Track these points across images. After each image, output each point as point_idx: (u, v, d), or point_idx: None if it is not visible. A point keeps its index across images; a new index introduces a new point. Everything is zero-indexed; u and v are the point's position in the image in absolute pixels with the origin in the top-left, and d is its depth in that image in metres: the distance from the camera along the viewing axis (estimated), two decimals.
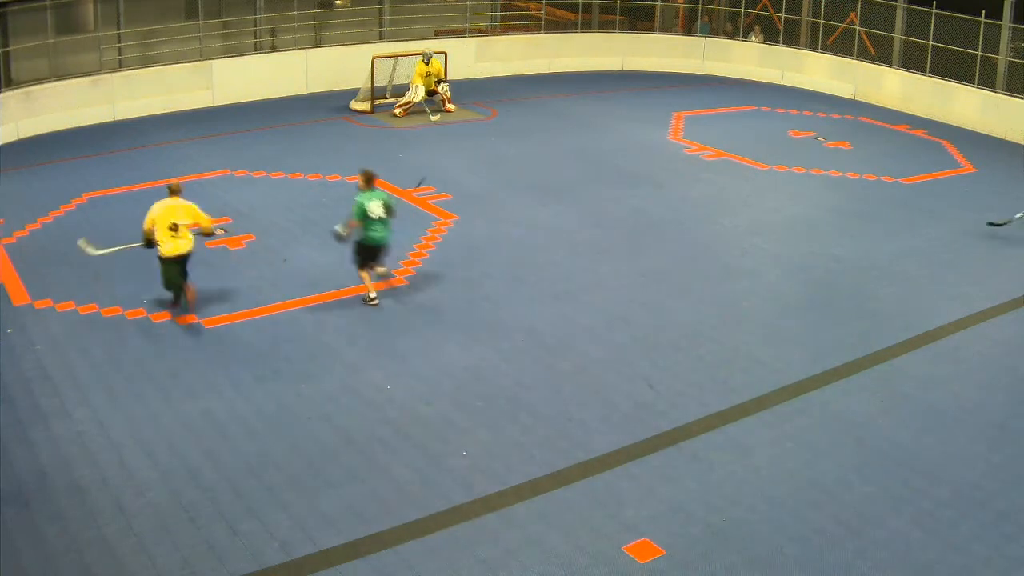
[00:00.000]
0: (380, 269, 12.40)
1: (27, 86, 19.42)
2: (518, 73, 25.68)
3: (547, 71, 26.07)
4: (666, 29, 27.93)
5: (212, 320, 11.74)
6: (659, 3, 27.60)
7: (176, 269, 11.54)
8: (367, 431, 9.56)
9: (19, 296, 12.28)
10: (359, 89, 22.04)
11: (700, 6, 27.58)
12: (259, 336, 11.43)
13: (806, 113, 22.59)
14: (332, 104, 22.11)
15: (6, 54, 19.55)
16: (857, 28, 24.10)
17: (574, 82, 25.28)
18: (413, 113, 21.43)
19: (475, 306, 12.40)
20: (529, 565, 7.78)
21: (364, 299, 12.19)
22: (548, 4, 26.91)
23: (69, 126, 19.74)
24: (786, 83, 25.50)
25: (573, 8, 26.96)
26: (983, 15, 21.13)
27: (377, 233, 11.92)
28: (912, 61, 23.06)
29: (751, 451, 9.40)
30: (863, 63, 24.07)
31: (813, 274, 13.70)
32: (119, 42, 21.01)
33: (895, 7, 23.38)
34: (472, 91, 23.43)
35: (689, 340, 11.59)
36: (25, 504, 8.36)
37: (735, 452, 9.38)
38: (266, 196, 16.07)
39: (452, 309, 12.27)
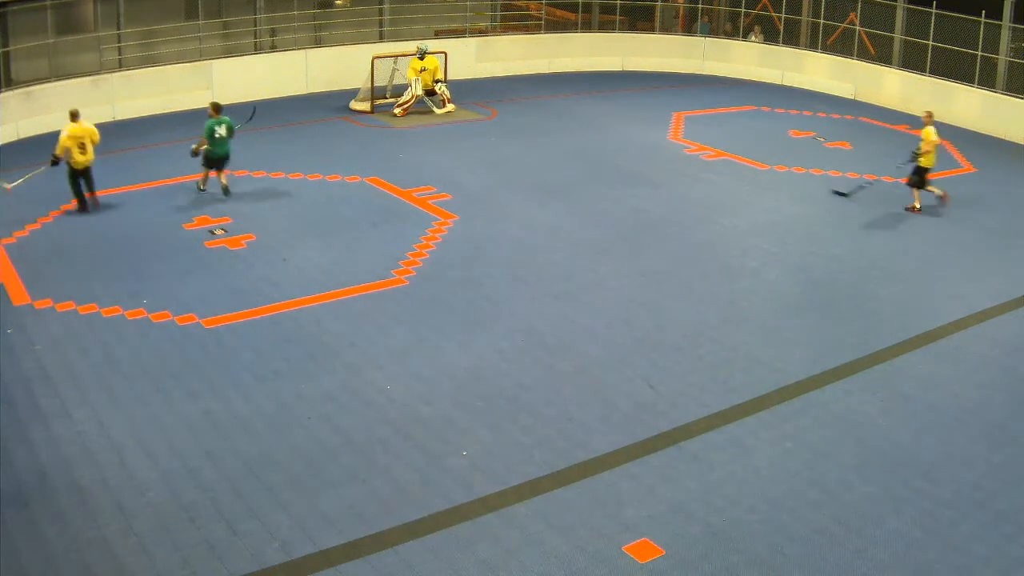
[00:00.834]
0: (223, 178, 15.85)
1: (27, 86, 19.43)
2: (518, 73, 25.67)
3: (547, 71, 26.07)
4: (666, 29, 27.92)
5: (212, 320, 11.74)
6: (659, 3, 27.59)
7: (83, 179, 14.97)
8: (367, 431, 9.56)
9: (19, 296, 12.28)
10: (359, 89, 22.06)
11: (700, 6, 27.57)
12: (259, 336, 11.43)
13: (806, 113, 22.59)
14: (332, 104, 22.11)
15: (6, 54, 19.56)
16: (857, 28, 24.10)
17: (574, 82, 25.27)
18: (413, 113, 21.44)
19: (475, 306, 12.40)
20: (529, 565, 7.78)
21: (198, 185, 16.07)
22: (548, 4, 26.90)
23: None
24: (786, 83, 25.49)
25: (573, 8, 26.95)
26: (983, 15, 21.12)
27: (220, 148, 15.80)
28: (912, 61, 23.06)
29: (751, 451, 9.40)
30: (863, 63, 24.07)
31: (813, 274, 13.70)
32: (119, 42, 21.02)
33: (895, 7, 23.37)
34: (472, 91, 23.42)
35: (689, 340, 11.59)
36: (25, 504, 8.36)
37: (735, 452, 9.39)
38: (266, 196, 16.10)
39: (452, 309, 12.27)
